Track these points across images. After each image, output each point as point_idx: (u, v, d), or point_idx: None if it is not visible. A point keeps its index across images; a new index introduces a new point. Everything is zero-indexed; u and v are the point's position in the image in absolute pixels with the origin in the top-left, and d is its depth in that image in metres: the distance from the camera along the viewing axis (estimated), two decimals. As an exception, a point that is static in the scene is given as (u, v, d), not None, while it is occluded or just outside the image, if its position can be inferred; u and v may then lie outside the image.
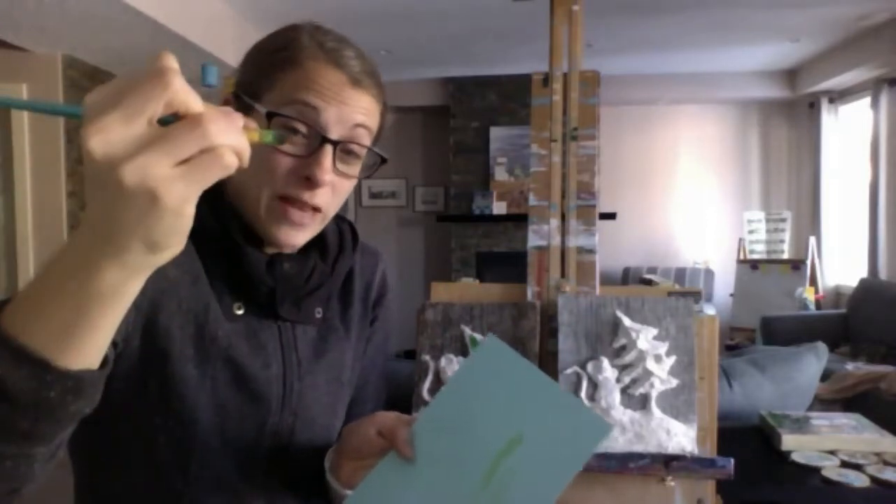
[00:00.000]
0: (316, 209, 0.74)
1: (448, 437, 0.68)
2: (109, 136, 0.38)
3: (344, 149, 0.73)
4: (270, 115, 0.72)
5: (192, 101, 0.40)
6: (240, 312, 0.78)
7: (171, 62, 0.40)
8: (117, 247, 0.41)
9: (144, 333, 0.71)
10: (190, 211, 0.41)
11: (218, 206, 0.76)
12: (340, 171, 0.74)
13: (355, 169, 0.77)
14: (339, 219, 0.88)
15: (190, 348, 0.72)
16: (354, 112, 0.73)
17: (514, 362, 0.69)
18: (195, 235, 0.72)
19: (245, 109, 0.76)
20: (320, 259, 0.83)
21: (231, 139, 0.41)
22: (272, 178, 0.72)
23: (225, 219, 0.76)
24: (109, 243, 0.41)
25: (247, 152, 0.42)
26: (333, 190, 0.75)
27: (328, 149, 0.72)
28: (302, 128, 0.72)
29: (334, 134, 0.72)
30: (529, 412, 0.66)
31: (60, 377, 0.44)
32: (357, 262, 0.91)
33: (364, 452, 0.73)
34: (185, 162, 0.39)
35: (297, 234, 0.75)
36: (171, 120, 0.40)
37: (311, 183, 0.72)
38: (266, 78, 0.74)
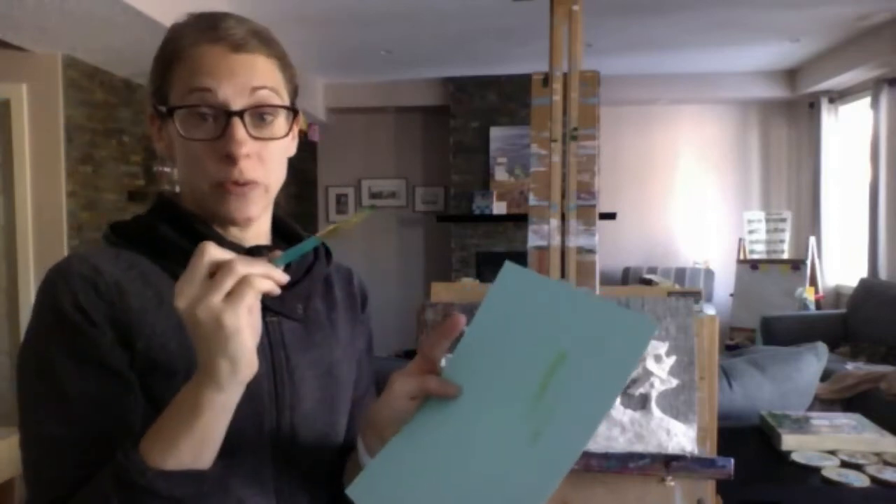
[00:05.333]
0: (250, 182, 0.76)
1: (486, 369, 0.66)
2: (183, 294, 0.59)
3: (253, 114, 0.75)
4: (171, 110, 0.74)
5: (222, 255, 0.60)
6: None
7: (204, 246, 0.60)
8: (212, 372, 0.60)
9: (138, 369, 0.72)
10: (245, 333, 0.60)
11: (180, 219, 0.79)
12: (259, 137, 0.75)
13: (276, 129, 0.78)
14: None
15: (178, 365, 0.73)
16: (248, 77, 0.75)
17: (539, 283, 0.68)
18: (160, 258, 0.78)
19: (160, 116, 0.78)
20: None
21: (255, 269, 0.60)
22: (202, 169, 0.75)
23: (193, 227, 0.78)
24: (207, 372, 0.61)
25: (276, 274, 0.61)
26: (261, 158, 0.76)
27: (235, 121, 0.73)
28: (207, 111, 0.74)
29: (236, 105, 0.74)
30: (567, 328, 0.63)
31: (208, 476, 0.66)
32: (333, 273, 0.94)
33: (403, 417, 0.70)
34: (230, 294, 0.59)
35: (247, 206, 0.77)
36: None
37: (231, 159, 0.74)
38: (165, 80, 0.77)
